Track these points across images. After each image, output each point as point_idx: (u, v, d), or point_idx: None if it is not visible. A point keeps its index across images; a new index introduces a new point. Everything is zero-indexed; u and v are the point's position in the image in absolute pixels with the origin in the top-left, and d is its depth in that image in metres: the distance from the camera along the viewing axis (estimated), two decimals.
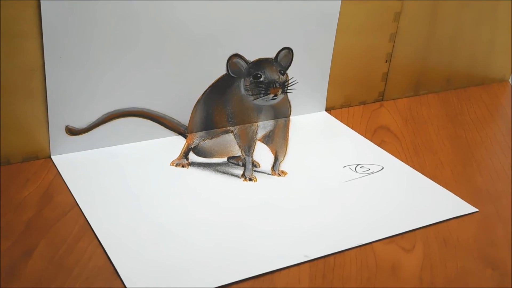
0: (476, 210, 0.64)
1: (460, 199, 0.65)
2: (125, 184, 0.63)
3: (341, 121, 0.82)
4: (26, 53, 0.61)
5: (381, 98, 0.89)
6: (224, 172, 0.67)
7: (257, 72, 0.70)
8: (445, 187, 0.68)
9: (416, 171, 0.71)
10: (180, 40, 0.69)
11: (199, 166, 0.68)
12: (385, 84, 0.88)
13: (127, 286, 0.49)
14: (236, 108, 0.72)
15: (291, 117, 0.78)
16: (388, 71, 0.87)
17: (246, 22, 0.72)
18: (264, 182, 0.66)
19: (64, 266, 0.51)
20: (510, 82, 1.02)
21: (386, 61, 0.87)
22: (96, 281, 0.50)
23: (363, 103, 0.88)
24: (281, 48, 0.72)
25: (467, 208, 0.64)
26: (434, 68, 0.92)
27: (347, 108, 0.86)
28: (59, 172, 0.64)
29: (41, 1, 0.59)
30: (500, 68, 1.00)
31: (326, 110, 0.84)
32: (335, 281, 0.52)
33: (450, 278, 0.54)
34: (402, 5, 0.83)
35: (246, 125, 0.73)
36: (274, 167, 0.69)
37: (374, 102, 0.89)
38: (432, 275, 0.54)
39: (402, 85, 0.90)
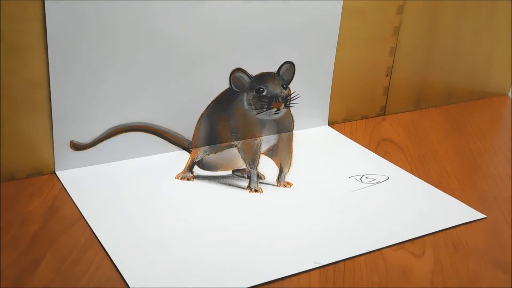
0: (484, 216, 0.64)
1: (468, 206, 0.65)
2: (130, 197, 0.63)
3: (344, 135, 0.82)
4: (31, 66, 0.61)
5: (382, 112, 0.89)
6: (229, 184, 0.67)
7: (259, 86, 0.70)
8: (451, 195, 0.67)
9: (421, 180, 0.70)
10: (183, 55, 0.69)
11: (204, 179, 0.68)
12: (387, 98, 0.89)
13: None
14: (240, 123, 0.72)
15: (294, 132, 0.78)
16: (389, 85, 0.88)
17: (248, 36, 0.73)
18: (270, 192, 0.66)
19: (71, 276, 0.50)
20: (510, 96, 1.02)
21: (386, 75, 0.87)
22: None
23: (365, 117, 0.88)
24: (282, 62, 0.74)
25: (475, 214, 0.64)
26: (434, 82, 0.93)
27: (349, 122, 0.86)
28: (64, 187, 0.63)
29: (46, 15, 0.60)
30: (499, 82, 1.01)
31: (328, 125, 0.84)
32: (346, 286, 0.52)
33: (462, 281, 0.53)
34: (401, 19, 0.84)
35: (249, 139, 0.73)
36: (280, 179, 0.69)
37: (376, 117, 0.89)
38: (444, 279, 0.54)
39: (403, 99, 0.91)
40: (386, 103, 0.89)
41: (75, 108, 0.65)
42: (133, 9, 0.64)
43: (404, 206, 0.65)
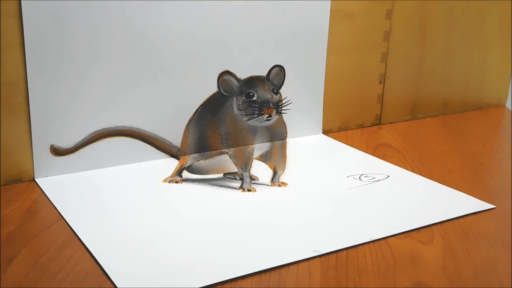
0: (493, 206, 0.60)
1: (475, 198, 0.61)
2: (114, 198, 0.58)
3: (339, 141, 0.79)
4: (7, 66, 0.58)
5: (378, 121, 0.86)
6: (221, 186, 0.63)
7: (249, 91, 0.67)
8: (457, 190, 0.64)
9: (424, 178, 0.67)
10: (170, 56, 0.67)
11: (194, 181, 0.64)
12: (382, 107, 0.86)
13: (118, 286, 0.44)
14: (231, 129, 0.69)
15: (287, 140, 0.75)
16: (383, 93, 0.85)
17: (235, 38, 0.71)
18: (264, 191, 0.62)
19: (48, 271, 0.45)
20: (507, 107, 1.00)
21: (380, 82, 0.85)
22: (84, 283, 0.44)
23: (361, 126, 0.85)
24: (272, 66, 0.71)
25: (483, 205, 0.60)
26: (429, 91, 0.90)
27: (344, 131, 0.83)
28: (43, 192, 0.59)
29: (22, 10, 0.57)
30: (495, 92, 0.99)
31: (323, 133, 0.81)
32: (350, 273, 0.47)
33: (476, 265, 0.49)
34: (391, 24, 0.83)
35: (241, 147, 0.70)
36: (274, 179, 0.65)
37: (371, 126, 0.86)
38: (456, 264, 0.49)
39: (398, 108, 0.88)
40: (381, 112, 0.86)
41: (55, 111, 0.61)
42: (118, 6, 0.62)
43: (407, 199, 0.61)
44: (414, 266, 0.48)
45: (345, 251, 0.50)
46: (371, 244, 0.52)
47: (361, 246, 0.51)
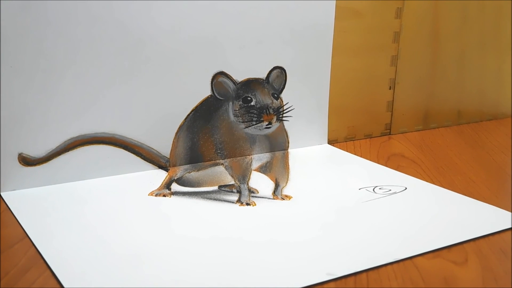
0: None
1: (509, 212, 0.53)
2: (91, 215, 0.50)
3: (347, 152, 0.71)
4: None
5: (388, 131, 0.79)
6: (216, 199, 0.55)
7: (247, 95, 0.59)
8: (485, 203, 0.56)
9: (447, 190, 0.59)
10: (158, 55, 0.59)
11: (184, 195, 0.56)
12: (392, 115, 0.78)
13: None
14: (226, 137, 0.61)
15: (290, 150, 0.67)
16: (393, 100, 0.78)
17: (231, 37, 0.63)
18: (265, 205, 0.54)
19: None
20: None
21: (389, 88, 0.77)
22: None
23: (369, 136, 0.77)
24: (272, 67, 0.63)
25: None
26: (442, 99, 0.83)
27: (352, 141, 0.75)
28: (8, 207, 0.51)
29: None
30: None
31: (328, 143, 0.73)
32: None
33: None
34: (401, 24, 0.76)
35: (238, 158, 0.62)
36: (276, 192, 0.57)
37: (381, 136, 0.78)
38: (500, 286, 0.41)
39: (410, 117, 0.80)
40: (391, 121, 0.78)
41: (25, 113, 0.53)
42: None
43: (430, 213, 0.53)
44: None
45: (364, 274, 0.42)
46: (395, 265, 0.43)
47: (383, 268, 0.43)
